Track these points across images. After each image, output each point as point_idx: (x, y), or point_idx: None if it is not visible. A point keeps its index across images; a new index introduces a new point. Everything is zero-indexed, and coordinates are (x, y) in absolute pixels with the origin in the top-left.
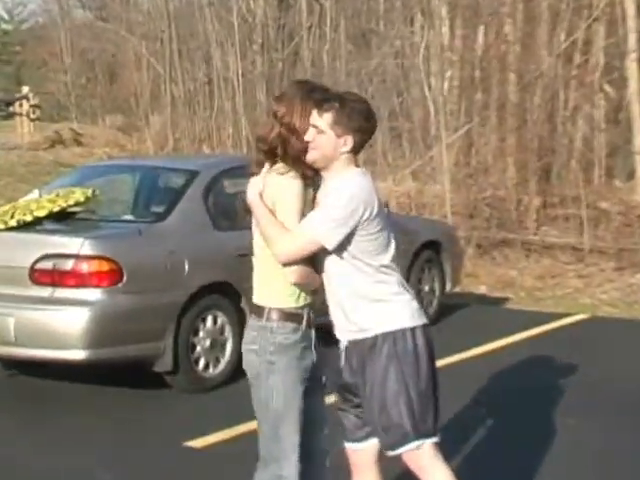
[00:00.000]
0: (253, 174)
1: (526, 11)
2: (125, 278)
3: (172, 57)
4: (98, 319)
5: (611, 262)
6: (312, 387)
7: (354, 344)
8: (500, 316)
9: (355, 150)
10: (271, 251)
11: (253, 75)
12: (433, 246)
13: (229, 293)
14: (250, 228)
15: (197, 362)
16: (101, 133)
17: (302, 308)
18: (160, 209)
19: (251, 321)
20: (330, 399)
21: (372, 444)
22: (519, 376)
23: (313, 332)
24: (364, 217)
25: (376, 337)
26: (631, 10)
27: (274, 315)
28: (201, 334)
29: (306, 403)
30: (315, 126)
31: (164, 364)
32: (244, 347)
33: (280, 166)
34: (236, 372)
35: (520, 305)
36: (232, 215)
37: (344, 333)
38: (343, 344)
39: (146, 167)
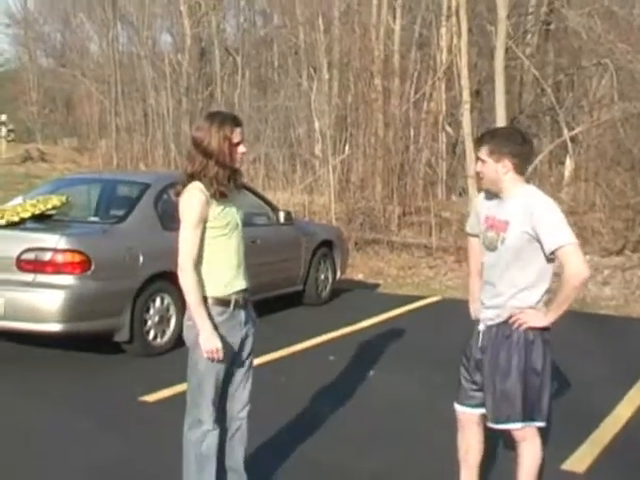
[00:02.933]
0: (178, 193)
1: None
2: (93, 267)
3: (116, 95)
4: (71, 299)
5: (452, 257)
6: (239, 357)
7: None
8: (375, 298)
9: (518, 171)
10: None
11: (179, 111)
12: (327, 244)
13: (173, 280)
14: None
15: (148, 333)
16: (61, 152)
17: (230, 295)
18: (120, 213)
19: None
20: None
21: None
22: (387, 341)
23: (242, 314)
24: None
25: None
26: (464, 72)
27: (208, 300)
28: (151, 311)
29: (233, 369)
30: (479, 158)
31: (123, 335)
32: (184, 322)
33: (190, 186)
34: (178, 341)
35: (388, 289)
36: (176, 218)
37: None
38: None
39: (108, 180)
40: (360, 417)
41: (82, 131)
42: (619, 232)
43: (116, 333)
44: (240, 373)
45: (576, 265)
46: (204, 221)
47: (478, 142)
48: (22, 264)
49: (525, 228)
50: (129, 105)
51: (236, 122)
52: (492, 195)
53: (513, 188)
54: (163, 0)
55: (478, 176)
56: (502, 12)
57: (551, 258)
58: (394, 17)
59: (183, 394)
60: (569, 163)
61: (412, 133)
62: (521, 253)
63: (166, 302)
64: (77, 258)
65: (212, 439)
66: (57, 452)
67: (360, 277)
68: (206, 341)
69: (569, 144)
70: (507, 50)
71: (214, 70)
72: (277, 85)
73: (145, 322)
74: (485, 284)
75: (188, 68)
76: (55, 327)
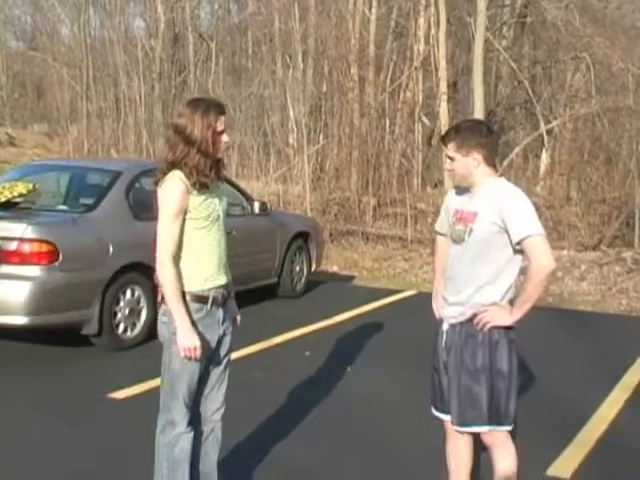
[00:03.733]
0: (157, 182)
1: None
2: (61, 258)
3: (88, 80)
4: (38, 291)
5: (428, 249)
6: (216, 357)
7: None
8: (350, 291)
9: (488, 163)
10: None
11: (152, 97)
12: (303, 236)
13: (144, 271)
14: None
15: (118, 326)
16: (30, 137)
17: (209, 290)
18: (90, 202)
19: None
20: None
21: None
22: (363, 337)
23: (221, 312)
24: None
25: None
26: (442, 63)
27: (185, 296)
28: (121, 304)
29: (209, 369)
30: (447, 155)
31: (91, 328)
32: (159, 318)
33: (170, 175)
34: (149, 335)
35: (363, 282)
36: (148, 208)
37: None
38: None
39: (78, 167)
40: (337, 415)
41: (52, 116)
42: (595, 227)
43: (84, 326)
44: (216, 373)
45: (542, 257)
46: (184, 212)
47: (444, 140)
48: None
49: (494, 219)
50: (100, 90)
51: (221, 110)
52: (463, 190)
53: (484, 181)
54: None
55: (450, 174)
56: (482, 4)
57: (517, 250)
58: (370, 6)
59: (153, 391)
60: (545, 157)
61: (388, 123)
62: (487, 245)
63: (137, 294)
64: (44, 248)
65: (185, 442)
66: (24, 453)
67: (335, 269)
68: (184, 338)
69: (545, 137)
70: (485, 42)
71: (187, 56)
72: (251, 73)
73: (115, 315)
74: (448, 280)
75: (161, 54)
76: (21, 320)
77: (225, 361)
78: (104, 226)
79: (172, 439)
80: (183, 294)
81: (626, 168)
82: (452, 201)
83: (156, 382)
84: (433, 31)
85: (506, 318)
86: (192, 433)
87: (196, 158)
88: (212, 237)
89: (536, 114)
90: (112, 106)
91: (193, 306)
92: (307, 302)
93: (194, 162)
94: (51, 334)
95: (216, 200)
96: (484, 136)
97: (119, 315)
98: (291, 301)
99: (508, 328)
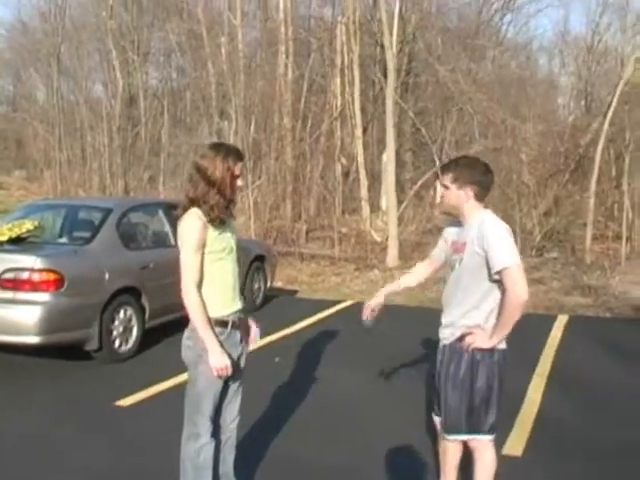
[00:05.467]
0: (178, 217)
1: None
2: (66, 284)
3: (60, 134)
4: (48, 314)
5: (352, 265)
6: (235, 374)
7: None
8: (300, 303)
9: (477, 199)
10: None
11: (112, 147)
12: (260, 258)
13: (135, 294)
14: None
15: (114, 342)
16: (14, 181)
17: (228, 316)
18: (87, 235)
19: (190, 323)
20: None
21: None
22: (324, 342)
23: (238, 334)
24: None
25: None
26: (357, 112)
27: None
28: (116, 322)
29: (228, 383)
30: (442, 185)
31: (93, 344)
32: (183, 341)
33: (189, 212)
34: (140, 347)
35: (306, 294)
36: (136, 239)
37: None
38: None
39: (74, 205)
40: (316, 416)
41: (30, 164)
42: None
43: (87, 343)
44: (233, 388)
45: (517, 287)
46: (203, 246)
47: (443, 169)
48: (3, 282)
49: (478, 249)
50: (70, 142)
51: (239, 156)
52: (457, 223)
53: (472, 214)
54: (98, 57)
55: (435, 200)
56: (391, 65)
57: (496, 279)
58: (293, 70)
59: (155, 397)
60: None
61: (314, 163)
62: (473, 273)
63: (129, 313)
64: (52, 277)
65: (208, 452)
66: (43, 460)
67: (280, 284)
68: (216, 359)
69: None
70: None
71: (139, 113)
72: (194, 125)
73: (111, 332)
74: (443, 305)
75: (119, 111)
76: (34, 339)
77: (239, 380)
78: (100, 256)
79: (197, 449)
80: (208, 320)
81: (506, 196)
82: (450, 234)
83: (157, 388)
84: (347, 88)
85: (486, 342)
86: (214, 443)
87: (216, 197)
88: (228, 267)
89: (433, 154)
90: (79, 154)
91: (215, 330)
92: (266, 314)
93: (214, 201)
94: (51, 350)
95: (229, 234)
96: (481, 174)
97: (115, 332)
98: (252, 314)
99: (492, 350)
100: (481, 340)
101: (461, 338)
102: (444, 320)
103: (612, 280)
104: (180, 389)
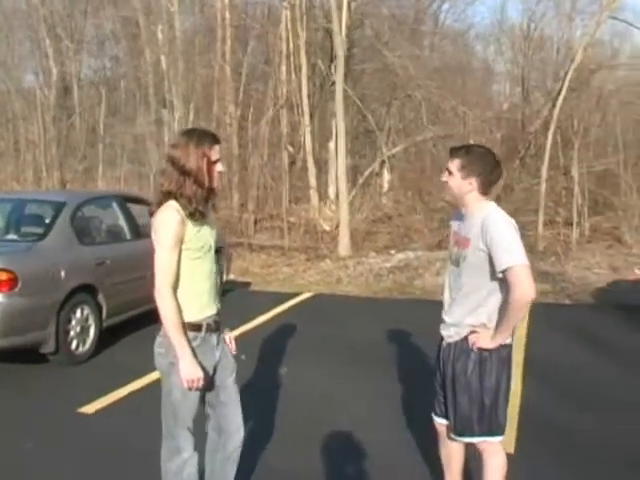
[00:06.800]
0: (152, 213)
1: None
2: (20, 284)
3: None
4: (1, 316)
5: (303, 255)
6: (218, 380)
7: None
8: (256, 296)
9: (481, 191)
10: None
11: (47, 138)
12: (217, 250)
13: (91, 291)
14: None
15: (71, 343)
16: None
17: (203, 320)
18: (40, 231)
19: (162, 328)
20: None
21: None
22: (285, 337)
23: (215, 337)
24: None
25: None
26: (305, 101)
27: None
28: (73, 323)
29: (217, 390)
30: (447, 169)
31: (49, 347)
32: (155, 349)
33: (165, 206)
34: (97, 348)
35: (259, 287)
36: (91, 233)
37: None
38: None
39: (22, 199)
40: (291, 417)
41: None
42: (435, 231)
43: (43, 345)
44: (227, 397)
45: (523, 286)
46: (180, 243)
47: (452, 153)
48: None
49: (482, 246)
50: (1, 133)
51: (215, 139)
52: (460, 214)
53: (474, 206)
54: (29, 45)
55: (445, 185)
56: (340, 51)
57: (500, 277)
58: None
59: (120, 402)
60: (386, 175)
61: (260, 152)
62: (478, 270)
63: (85, 313)
64: (4, 276)
65: (192, 467)
66: (6, 476)
67: (232, 277)
68: (186, 370)
69: (386, 161)
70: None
71: (74, 103)
72: (131, 114)
73: (68, 333)
74: (445, 303)
75: (54, 100)
76: None
77: (232, 385)
78: (55, 253)
79: (180, 465)
80: (182, 325)
81: None
82: (453, 225)
83: (120, 392)
84: (294, 76)
85: (489, 342)
86: (197, 457)
87: (192, 188)
88: (205, 267)
89: (380, 141)
90: (12, 146)
91: (189, 335)
92: (223, 309)
93: (190, 192)
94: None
95: (207, 230)
96: (489, 166)
97: (72, 333)
98: None
99: (500, 346)
100: (484, 341)
101: (466, 337)
102: (447, 318)
103: (567, 266)
104: (147, 391)
